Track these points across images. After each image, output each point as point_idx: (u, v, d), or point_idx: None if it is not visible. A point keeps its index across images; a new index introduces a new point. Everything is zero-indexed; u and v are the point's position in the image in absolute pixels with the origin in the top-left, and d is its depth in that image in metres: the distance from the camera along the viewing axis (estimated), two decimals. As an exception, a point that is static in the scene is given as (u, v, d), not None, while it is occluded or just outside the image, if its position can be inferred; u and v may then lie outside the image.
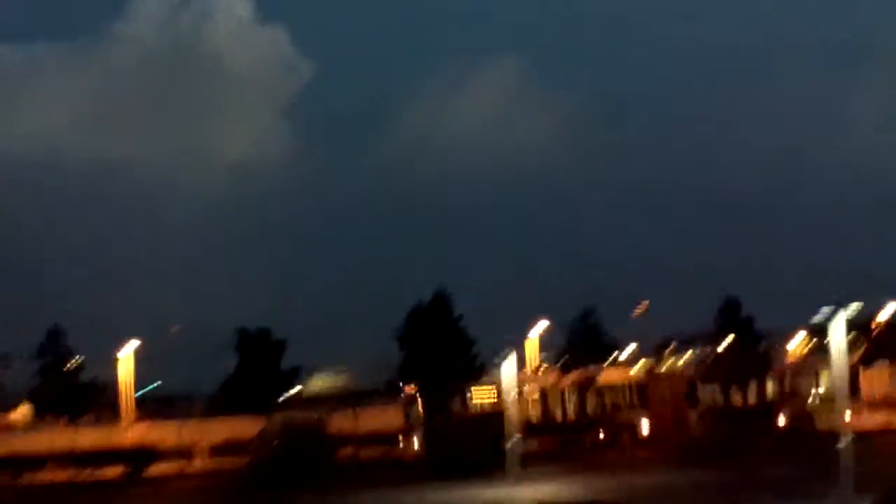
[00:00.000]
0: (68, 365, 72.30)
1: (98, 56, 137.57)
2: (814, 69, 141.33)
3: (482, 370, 67.38)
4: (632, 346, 77.55)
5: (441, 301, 72.05)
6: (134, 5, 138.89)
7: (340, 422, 62.98)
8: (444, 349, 69.92)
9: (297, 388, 71.92)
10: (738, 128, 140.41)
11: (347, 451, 61.22)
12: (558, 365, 72.78)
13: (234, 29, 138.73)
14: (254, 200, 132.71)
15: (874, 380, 71.85)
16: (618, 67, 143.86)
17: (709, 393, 69.33)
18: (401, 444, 64.24)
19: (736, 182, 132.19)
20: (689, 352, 74.58)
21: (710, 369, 72.98)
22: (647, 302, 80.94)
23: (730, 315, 71.21)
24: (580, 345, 76.29)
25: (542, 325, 74.48)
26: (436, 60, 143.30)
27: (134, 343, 67.99)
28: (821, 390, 67.48)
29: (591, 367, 69.55)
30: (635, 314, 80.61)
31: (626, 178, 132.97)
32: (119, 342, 68.05)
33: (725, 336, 71.43)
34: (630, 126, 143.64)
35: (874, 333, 72.65)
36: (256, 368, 70.00)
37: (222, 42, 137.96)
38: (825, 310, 34.27)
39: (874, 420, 64.44)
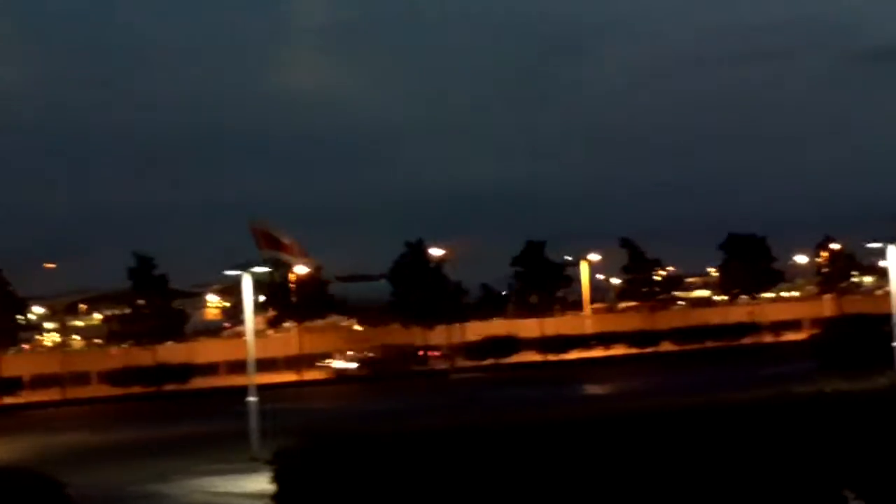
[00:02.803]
0: None
1: None
2: None
3: None
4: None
5: None
6: None
7: None
8: None
9: None
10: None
11: None
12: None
13: None
14: None
15: (287, 339, 75.03)
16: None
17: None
18: None
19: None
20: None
21: (123, 328, 72.96)
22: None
23: (142, 274, 70.73)
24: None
25: None
26: None
27: None
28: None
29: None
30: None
31: None
32: None
33: (139, 295, 71.12)
34: None
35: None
36: None
37: None
38: (232, 272, 35.13)
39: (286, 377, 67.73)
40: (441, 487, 14.59)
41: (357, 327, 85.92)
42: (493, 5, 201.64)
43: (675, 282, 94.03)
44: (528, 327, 78.62)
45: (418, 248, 76.51)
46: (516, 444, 14.98)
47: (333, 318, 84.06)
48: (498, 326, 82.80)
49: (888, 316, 40.23)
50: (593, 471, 15.08)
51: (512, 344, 75.22)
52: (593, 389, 53.99)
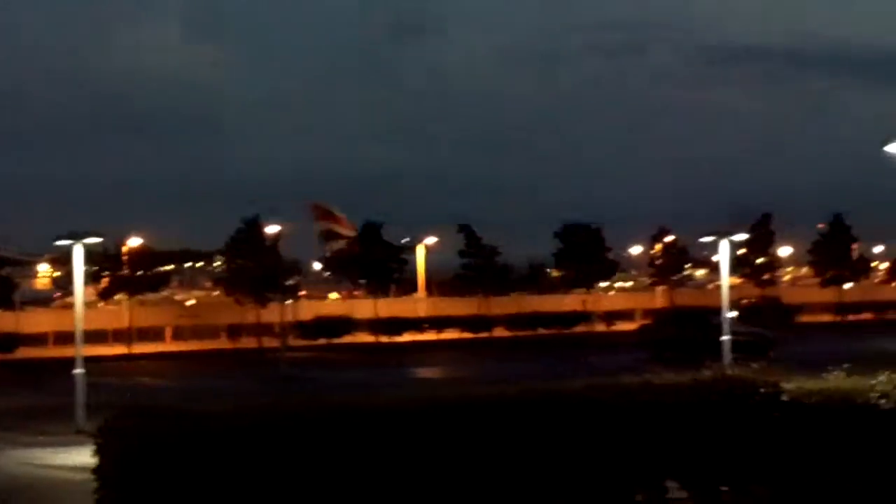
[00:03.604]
0: None
1: None
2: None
3: None
4: None
5: None
6: None
7: None
8: None
9: None
10: None
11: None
12: None
13: None
14: None
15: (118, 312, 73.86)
16: None
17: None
18: None
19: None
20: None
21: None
22: None
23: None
24: None
25: None
26: None
27: None
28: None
29: None
30: None
31: None
32: None
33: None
34: None
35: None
36: None
37: None
38: (63, 241, 34.34)
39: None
40: (253, 466, 14.69)
41: (190, 302, 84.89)
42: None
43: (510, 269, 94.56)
44: (363, 308, 78.54)
45: (254, 225, 75.89)
46: (319, 426, 15.12)
47: (167, 292, 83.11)
48: (332, 306, 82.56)
49: (718, 309, 41.04)
50: (404, 459, 15.10)
51: (346, 324, 75.11)
52: (421, 373, 54.18)
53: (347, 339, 73.96)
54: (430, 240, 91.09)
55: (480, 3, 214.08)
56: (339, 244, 77.99)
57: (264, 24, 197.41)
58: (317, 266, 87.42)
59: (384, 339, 74.97)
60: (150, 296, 77.48)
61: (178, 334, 75.61)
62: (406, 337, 75.66)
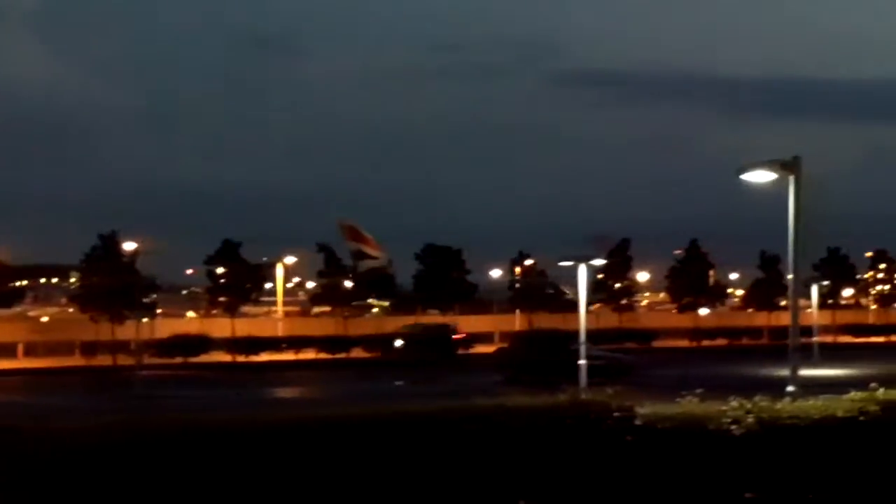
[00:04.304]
0: None
1: None
2: None
3: None
4: None
5: None
6: None
7: None
8: None
9: None
10: None
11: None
12: None
13: None
14: None
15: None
16: None
17: None
18: None
19: None
20: None
21: None
22: None
23: None
24: None
25: None
26: None
27: None
28: None
29: None
30: None
31: None
32: None
33: None
34: None
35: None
36: None
37: None
38: None
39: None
40: (95, 484, 14.43)
41: (44, 319, 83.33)
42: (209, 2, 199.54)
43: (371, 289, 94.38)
44: (221, 327, 77.71)
45: (111, 241, 74.68)
46: (162, 444, 14.92)
47: (21, 308, 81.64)
48: (189, 324, 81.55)
49: (576, 332, 41.17)
50: (247, 477, 14.85)
51: (203, 343, 74.25)
52: (277, 393, 53.66)
53: (204, 357, 73.08)
54: (290, 259, 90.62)
55: (348, 24, 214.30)
56: (371, 263, 78.40)
57: (129, 39, 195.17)
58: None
59: (241, 358, 74.19)
60: (3, 311, 76.00)
61: (31, 350, 74.18)
62: (264, 356, 74.94)
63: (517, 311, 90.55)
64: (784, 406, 17.27)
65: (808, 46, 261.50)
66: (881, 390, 17.83)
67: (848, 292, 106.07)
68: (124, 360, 68.27)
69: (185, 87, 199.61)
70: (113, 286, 72.03)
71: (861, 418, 16.99)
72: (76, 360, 72.09)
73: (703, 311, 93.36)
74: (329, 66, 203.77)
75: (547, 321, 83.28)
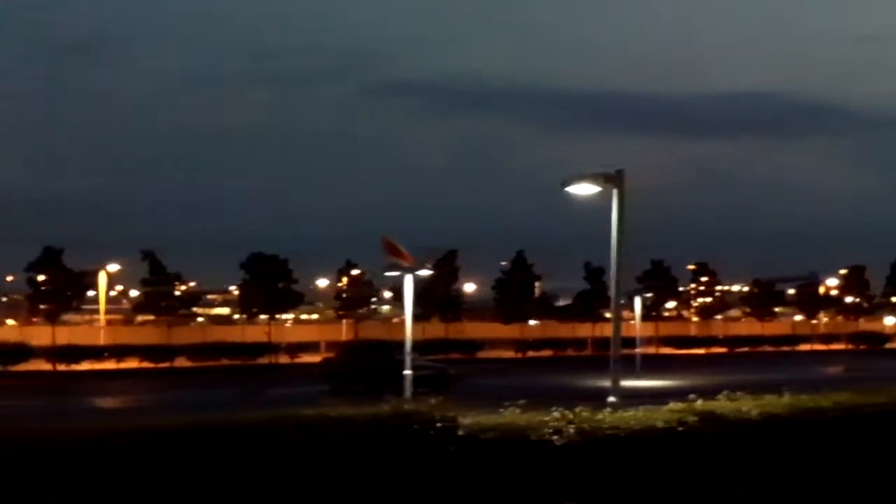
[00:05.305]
0: None
1: None
2: None
3: None
4: None
5: None
6: None
7: None
8: None
9: None
10: None
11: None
12: None
13: None
14: None
15: None
16: None
17: None
18: None
19: None
20: None
21: None
22: None
23: None
24: None
25: None
26: None
27: None
28: None
29: None
30: None
31: None
32: None
33: None
34: None
35: None
36: None
37: None
38: None
39: None
40: None
41: None
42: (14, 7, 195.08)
43: (195, 298, 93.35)
44: (41, 335, 75.96)
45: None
46: None
47: None
48: (9, 332, 79.58)
49: (402, 343, 41.04)
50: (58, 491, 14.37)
51: (22, 351, 72.50)
52: (97, 402, 52.53)
53: (24, 366, 71.33)
54: (113, 267, 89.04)
55: (168, 31, 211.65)
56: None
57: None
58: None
59: (62, 367, 72.56)
60: None
61: None
62: (85, 365, 73.41)
63: (343, 321, 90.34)
64: (605, 416, 17.40)
65: (632, 62, 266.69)
66: (700, 401, 18.13)
67: (671, 304, 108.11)
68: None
69: (1, 91, 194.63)
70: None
71: (680, 428, 17.22)
72: None
73: (531, 323, 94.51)
74: (148, 73, 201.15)
75: (373, 331, 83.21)
